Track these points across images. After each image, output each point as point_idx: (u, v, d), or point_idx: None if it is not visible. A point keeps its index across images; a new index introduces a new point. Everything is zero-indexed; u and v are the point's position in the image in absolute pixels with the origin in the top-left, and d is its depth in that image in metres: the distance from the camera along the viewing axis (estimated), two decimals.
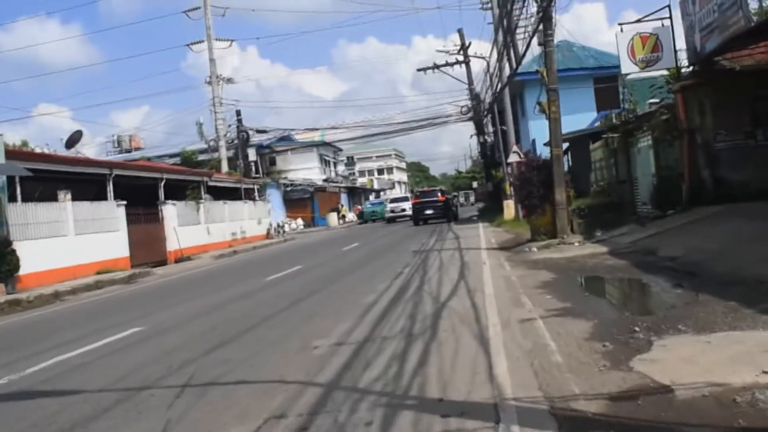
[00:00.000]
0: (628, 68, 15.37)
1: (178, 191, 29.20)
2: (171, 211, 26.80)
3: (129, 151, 63.18)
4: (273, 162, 60.35)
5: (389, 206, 45.99)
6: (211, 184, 32.87)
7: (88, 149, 54.36)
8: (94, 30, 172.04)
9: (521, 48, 24.40)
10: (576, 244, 14.14)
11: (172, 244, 26.33)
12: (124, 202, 23.03)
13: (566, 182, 15.25)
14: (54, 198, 19.71)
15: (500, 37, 24.60)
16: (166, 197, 27.34)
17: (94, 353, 7.30)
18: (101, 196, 22.76)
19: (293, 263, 17.82)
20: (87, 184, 22.73)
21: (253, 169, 52.74)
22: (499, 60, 24.13)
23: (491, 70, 28.72)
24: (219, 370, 5.65)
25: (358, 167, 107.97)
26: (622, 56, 15.20)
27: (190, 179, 30.62)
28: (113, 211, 22.61)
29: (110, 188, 23.22)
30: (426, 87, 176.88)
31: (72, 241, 19.77)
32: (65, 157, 24.81)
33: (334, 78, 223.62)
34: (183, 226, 27.46)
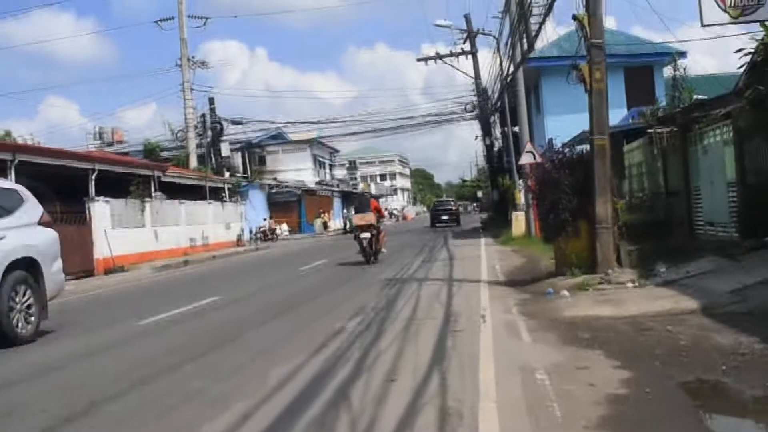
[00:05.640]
0: (713, 17, 10.18)
1: (122, 187, 24.19)
2: (102, 210, 21.69)
3: (111, 144, 58.33)
4: (263, 161, 55.48)
5: None
6: (166, 180, 27.76)
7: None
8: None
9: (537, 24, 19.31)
10: (630, 285, 8.93)
11: (103, 251, 21.23)
12: None
13: (613, 188, 10.03)
14: None
15: (513, 7, 19.46)
16: (106, 194, 22.29)
17: None
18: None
19: (217, 289, 12.72)
20: None
21: (241, 168, 47.82)
22: (512, 35, 18.96)
23: (502, 50, 23.56)
24: None
25: (360, 172, 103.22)
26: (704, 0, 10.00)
27: (136, 173, 25.48)
28: None
29: (11, 178, 18.13)
30: (434, 92, 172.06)
31: None
32: None
33: (340, 81, 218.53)
34: (120, 229, 22.41)
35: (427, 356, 5.75)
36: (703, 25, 10.27)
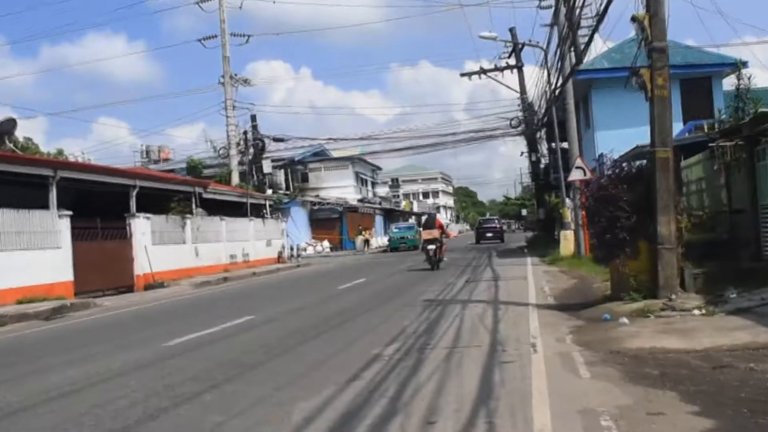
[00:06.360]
0: None
1: (164, 203, 24.14)
2: (143, 227, 21.57)
3: (157, 161, 59.20)
4: (305, 178, 55.51)
5: None
6: (208, 196, 27.65)
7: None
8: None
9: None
10: (696, 312, 8.10)
11: (143, 267, 21.11)
12: (69, 213, 17.95)
13: (677, 205, 9.21)
14: None
15: (562, 17, 18.70)
16: (148, 210, 22.24)
17: None
18: (45, 204, 17.78)
19: (252, 308, 12.33)
20: (24, 187, 17.86)
21: (284, 185, 47.81)
22: (561, 44, 18.15)
23: (550, 61, 22.70)
24: None
25: (402, 189, 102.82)
26: None
27: (177, 189, 25.41)
28: (52, 223, 17.51)
29: (53, 194, 18.13)
30: (477, 109, 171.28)
31: None
32: None
33: (382, 99, 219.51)
34: (161, 245, 22.31)
35: (471, 393, 5.07)
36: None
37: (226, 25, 34.78)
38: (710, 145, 14.55)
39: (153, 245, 21.83)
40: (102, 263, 19.30)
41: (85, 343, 9.40)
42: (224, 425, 4.65)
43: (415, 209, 76.89)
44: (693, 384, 5.05)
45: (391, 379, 5.69)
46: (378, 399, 5.04)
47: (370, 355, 6.80)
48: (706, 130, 15.99)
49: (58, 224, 17.71)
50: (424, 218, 26.74)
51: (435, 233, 21.00)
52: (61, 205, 18.05)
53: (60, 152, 43.96)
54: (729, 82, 22.88)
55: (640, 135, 16.19)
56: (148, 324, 11.71)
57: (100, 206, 20.00)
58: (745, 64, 18.23)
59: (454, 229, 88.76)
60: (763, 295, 8.29)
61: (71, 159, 36.01)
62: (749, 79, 15.86)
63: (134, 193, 22.15)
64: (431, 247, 20.50)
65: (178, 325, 10.75)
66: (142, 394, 5.75)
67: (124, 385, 6.23)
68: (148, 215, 22.07)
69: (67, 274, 17.70)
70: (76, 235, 18.20)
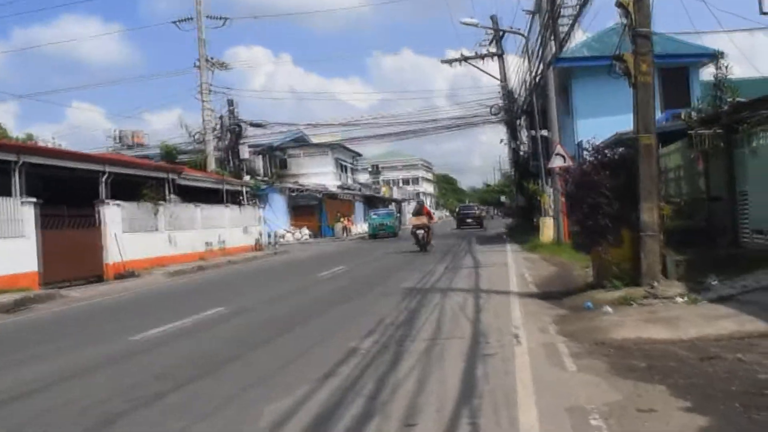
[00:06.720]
0: None
1: (137, 190, 23.52)
2: (113, 214, 20.97)
3: (131, 146, 57.97)
4: (284, 164, 54.81)
5: None
6: (183, 183, 27.08)
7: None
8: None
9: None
10: (679, 300, 7.94)
11: (113, 256, 20.53)
12: (35, 200, 17.33)
13: (659, 192, 9.02)
14: None
15: (544, 4, 18.47)
16: (122, 197, 21.66)
17: None
18: (8, 191, 17.16)
19: (226, 298, 11.97)
20: None
21: (263, 171, 47.19)
22: (543, 30, 17.92)
23: (531, 48, 22.44)
24: None
25: (383, 176, 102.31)
26: None
27: (150, 175, 24.80)
28: (15, 211, 16.85)
29: (16, 180, 17.51)
30: (459, 97, 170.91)
31: None
32: None
33: (364, 86, 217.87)
34: (132, 233, 21.71)
35: (453, 389, 4.81)
36: (762, 13, 9.26)
37: (202, 6, 34.10)
38: (689, 132, 14.44)
39: (124, 233, 21.26)
40: (70, 252, 18.64)
41: (46, 338, 8.99)
42: None
43: (396, 196, 76.57)
44: (682, 377, 4.84)
45: (368, 376, 5.41)
46: (353, 399, 4.75)
47: (346, 349, 6.51)
48: (684, 119, 15.88)
49: (22, 212, 17.05)
50: (414, 205, 28.80)
51: (423, 219, 23.05)
52: (28, 192, 17.46)
53: (29, 137, 42.92)
54: (706, 72, 22.86)
55: (619, 123, 16.05)
56: (115, 316, 11.30)
57: (70, 193, 19.36)
58: (722, 54, 18.14)
59: (434, 216, 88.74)
60: (744, 282, 8.16)
61: (42, 144, 35.20)
62: (727, 68, 15.72)
63: (104, 180, 21.55)
64: (420, 232, 22.61)
65: (148, 317, 10.35)
66: (101, 395, 5.40)
67: (83, 385, 5.88)
68: (119, 202, 21.49)
69: (32, 264, 17.07)
70: (43, 223, 17.56)
